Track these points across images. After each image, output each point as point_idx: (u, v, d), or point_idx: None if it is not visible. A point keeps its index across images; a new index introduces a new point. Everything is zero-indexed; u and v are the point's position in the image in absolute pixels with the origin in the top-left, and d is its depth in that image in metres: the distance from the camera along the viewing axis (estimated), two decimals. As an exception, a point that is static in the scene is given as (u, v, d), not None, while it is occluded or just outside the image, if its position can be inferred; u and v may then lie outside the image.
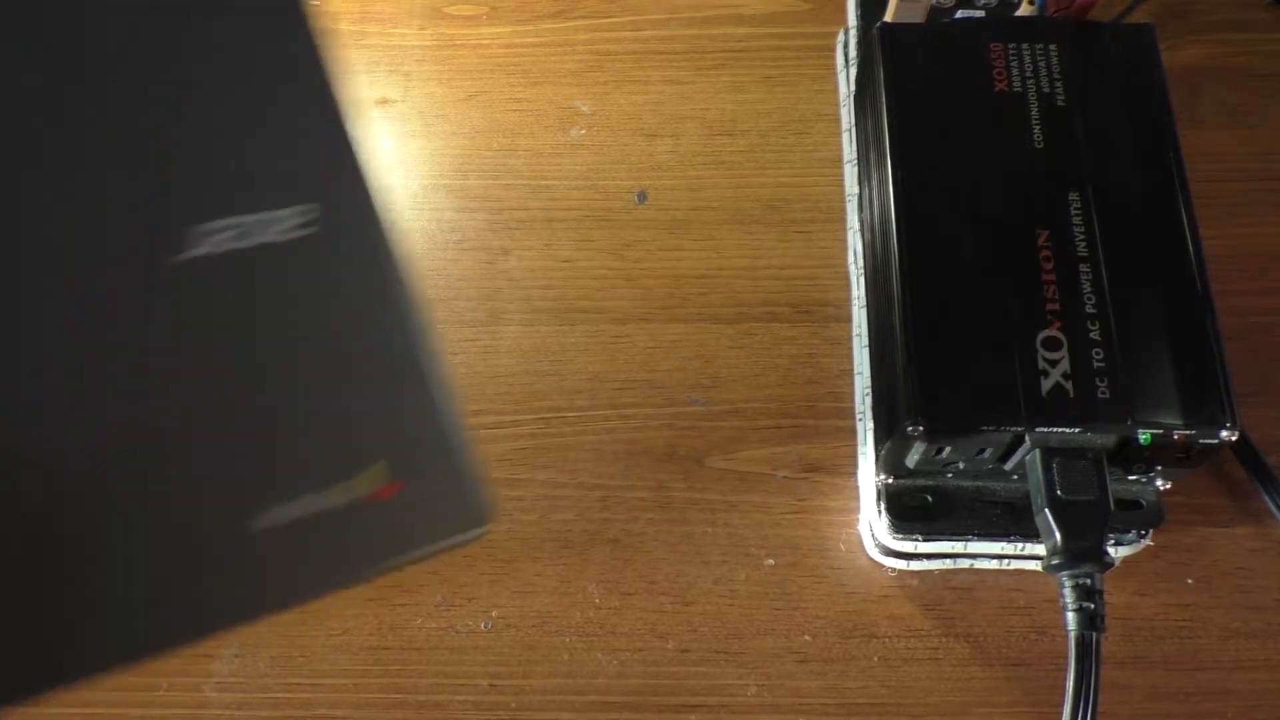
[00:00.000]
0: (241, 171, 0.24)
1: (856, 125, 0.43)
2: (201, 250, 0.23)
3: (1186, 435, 0.31)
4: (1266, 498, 0.38)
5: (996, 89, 0.37)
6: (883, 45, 0.38)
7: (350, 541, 0.24)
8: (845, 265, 0.43)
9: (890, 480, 0.36)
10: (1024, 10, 0.42)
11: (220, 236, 0.23)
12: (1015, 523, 0.36)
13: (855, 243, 0.42)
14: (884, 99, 0.37)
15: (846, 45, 0.46)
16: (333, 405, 0.24)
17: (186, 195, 0.23)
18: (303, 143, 0.24)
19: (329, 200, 0.24)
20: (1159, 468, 0.34)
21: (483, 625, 0.37)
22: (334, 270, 0.24)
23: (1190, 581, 0.37)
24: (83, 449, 0.22)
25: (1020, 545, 0.36)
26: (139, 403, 0.22)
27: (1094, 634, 0.31)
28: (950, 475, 0.36)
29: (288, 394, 0.24)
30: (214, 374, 0.23)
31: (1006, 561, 0.37)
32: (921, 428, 0.32)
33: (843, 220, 0.44)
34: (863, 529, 0.38)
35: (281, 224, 0.24)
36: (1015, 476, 0.34)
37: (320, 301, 0.24)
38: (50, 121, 0.22)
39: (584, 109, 0.47)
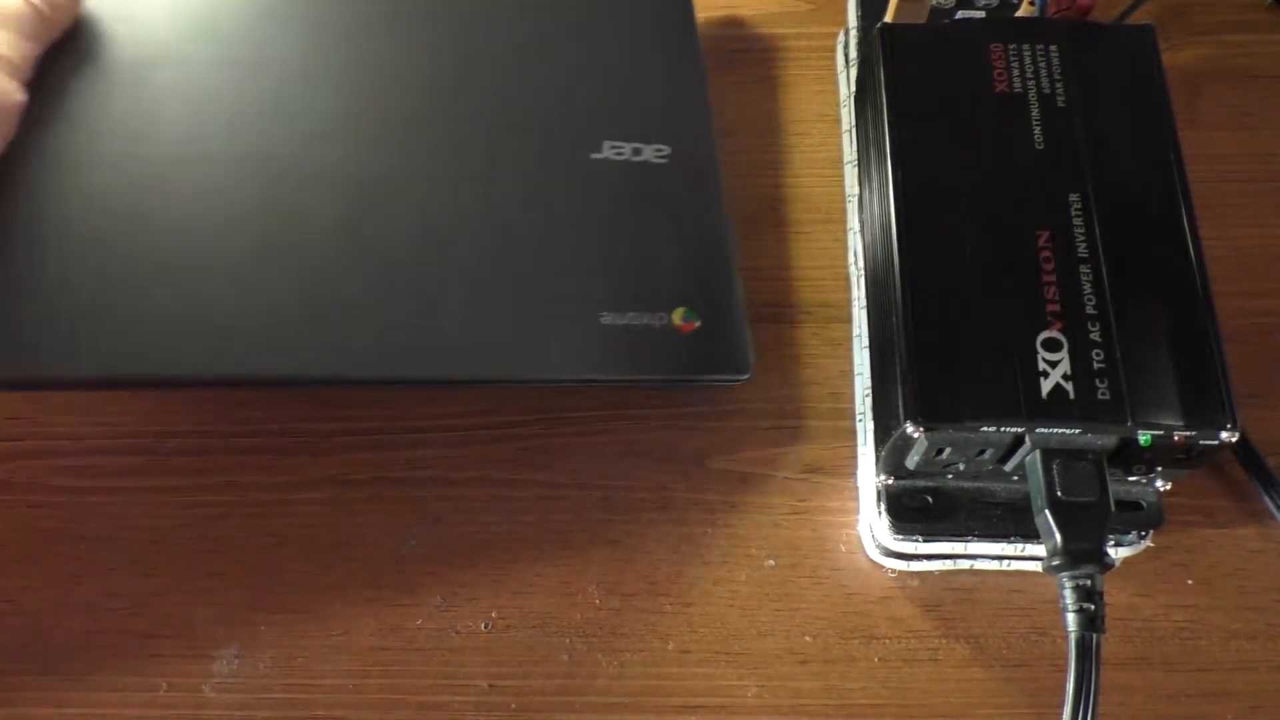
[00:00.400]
0: (627, 114, 0.40)
1: (857, 126, 0.43)
2: (607, 155, 0.39)
3: (1187, 436, 0.31)
4: (1267, 499, 0.38)
5: (997, 90, 0.37)
6: (883, 46, 0.38)
7: (658, 352, 0.36)
8: (845, 266, 0.43)
9: (890, 481, 0.36)
10: (1024, 11, 0.42)
11: (617, 150, 0.39)
12: (1015, 524, 0.36)
13: (855, 243, 0.42)
14: (884, 100, 0.37)
15: (847, 46, 0.46)
16: (663, 265, 0.38)
17: (601, 119, 0.40)
18: (674, 101, 0.41)
19: (677, 144, 0.40)
20: (1159, 469, 0.34)
21: (483, 626, 0.37)
22: (671, 189, 0.39)
23: (1191, 582, 0.37)
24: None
25: (1020, 546, 0.36)
26: (566, 228, 0.37)
27: (1094, 635, 0.31)
28: (950, 476, 0.36)
29: (639, 248, 0.38)
30: (601, 224, 0.38)
31: (1007, 562, 0.37)
32: (922, 428, 0.32)
33: (843, 221, 0.44)
34: (863, 530, 0.38)
35: (646, 154, 0.39)
36: (1015, 477, 0.34)
37: (664, 204, 0.39)
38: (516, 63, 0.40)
39: (584, 109, 0.47)
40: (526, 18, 0.42)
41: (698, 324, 0.37)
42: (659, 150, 0.39)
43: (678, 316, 0.37)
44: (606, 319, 0.37)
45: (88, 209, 0.35)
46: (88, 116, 0.36)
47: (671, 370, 0.37)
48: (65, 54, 0.37)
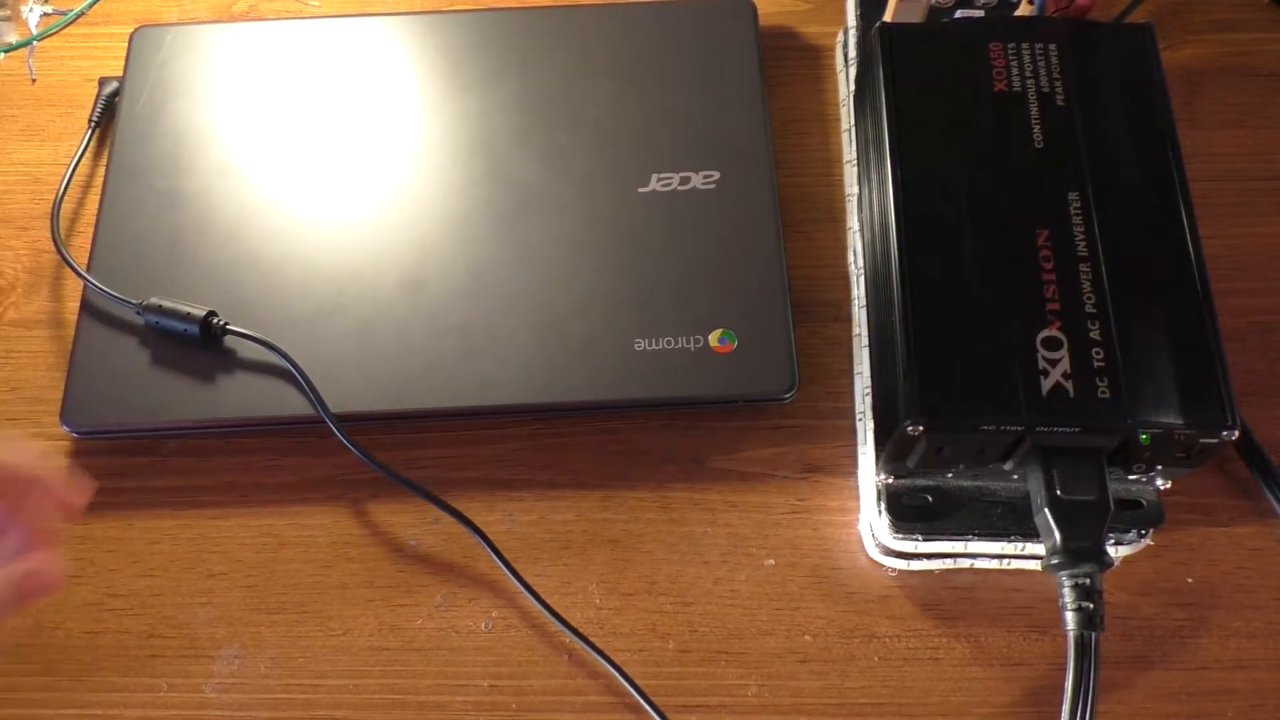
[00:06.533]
0: (678, 145, 0.42)
1: (856, 125, 0.43)
2: (654, 188, 0.42)
3: (1186, 435, 0.31)
4: (1270, 495, 0.38)
5: (996, 89, 0.37)
6: (882, 45, 0.38)
7: (692, 373, 0.38)
8: (845, 265, 0.43)
9: (891, 480, 0.36)
10: (1023, 10, 0.42)
11: (664, 181, 0.42)
12: (1015, 522, 0.36)
13: (855, 243, 0.42)
14: (884, 99, 0.37)
15: (846, 45, 0.46)
16: (704, 289, 0.40)
17: (648, 153, 0.42)
18: (729, 125, 0.43)
19: (729, 168, 0.42)
20: (1159, 467, 0.34)
21: (483, 626, 0.37)
22: (720, 212, 0.41)
23: (1191, 581, 0.37)
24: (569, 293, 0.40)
25: (1020, 545, 0.36)
26: (607, 262, 0.40)
27: (1093, 634, 0.31)
28: (951, 475, 0.36)
29: (679, 275, 0.40)
30: (642, 255, 0.40)
31: (1006, 561, 0.37)
32: (922, 427, 0.32)
33: (843, 220, 0.44)
34: (863, 529, 0.38)
35: (695, 181, 0.42)
36: (1015, 476, 0.34)
37: (711, 228, 0.41)
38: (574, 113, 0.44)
39: (584, 109, 0.47)
40: (587, 55, 0.45)
41: (735, 345, 0.39)
42: (708, 176, 0.42)
43: (714, 339, 0.39)
44: (640, 345, 0.39)
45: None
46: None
47: (706, 391, 0.38)
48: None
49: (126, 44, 0.46)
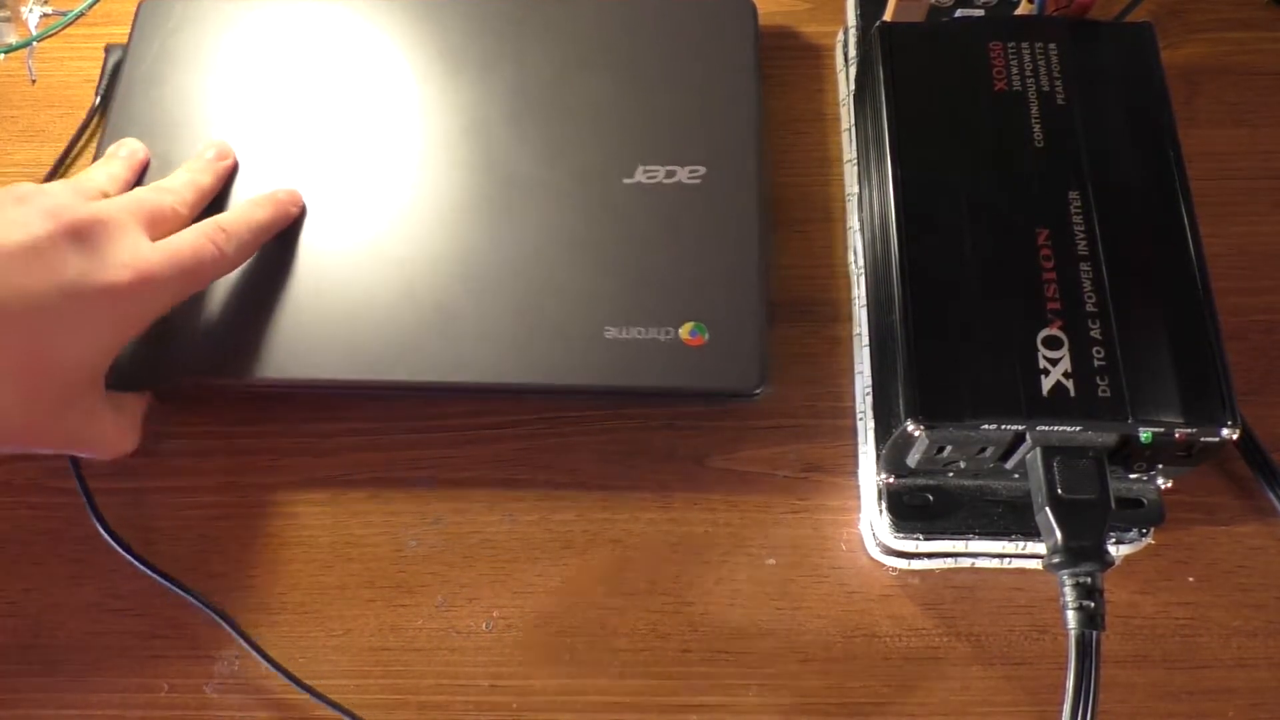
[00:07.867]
0: (666, 139, 0.42)
1: (856, 125, 0.43)
2: (639, 179, 0.41)
3: (1187, 433, 0.31)
4: (1271, 494, 0.38)
5: (996, 88, 0.37)
6: (882, 45, 0.38)
7: (661, 364, 0.38)
8: (845, 265, 0.43)
9: (891, 479, 0.36)
10: (1023, 9, 0.42)
11: (649, 174, 0.41)
12: (1016, 521, 0.36)
13: (855, 242, 0.42)
14: (884, 98, 0.37)
15: (846, 45, 0.46)
16: (680, 282, 0.39)
17: (636, 145, 0.42)
18: (720, 122, 0.43)
19: (715, 164, 0.42)
20: (1160, 466, 0.34)
21: (484, 626, 0.37)
22: (703, 207, 0.41)
23: (1191, 580, 0.37)
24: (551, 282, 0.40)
25: (1021, 544, 0.36)
26: (585, 249, 0.40)
27: (1094, 632, 0.31)
28: (951, 474, 0.36)
29: (655, 267, 0.40)
30: (621, 245, 0.40)
31: (1007, 560, 0.37)
32: (922, 426, 0.32)
33: (843, 220, 0.44)
34: (864, 528, 0.38)
35: (680, 175, 0.41)
36: (1016, 475, 0.34)
37: (692, 222, 0.41)
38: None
39: (583, 109, 0.47)
40: (584, 44, 0.44)
41: (706, 339, 0.38)
42: (694, 171, 0.41)
43: (685, 331, 0.38)
44: (611, 333, 0.38)
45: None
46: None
47: (673, 382, 0.38)
48: None
49: (134, 14, 0.45)
